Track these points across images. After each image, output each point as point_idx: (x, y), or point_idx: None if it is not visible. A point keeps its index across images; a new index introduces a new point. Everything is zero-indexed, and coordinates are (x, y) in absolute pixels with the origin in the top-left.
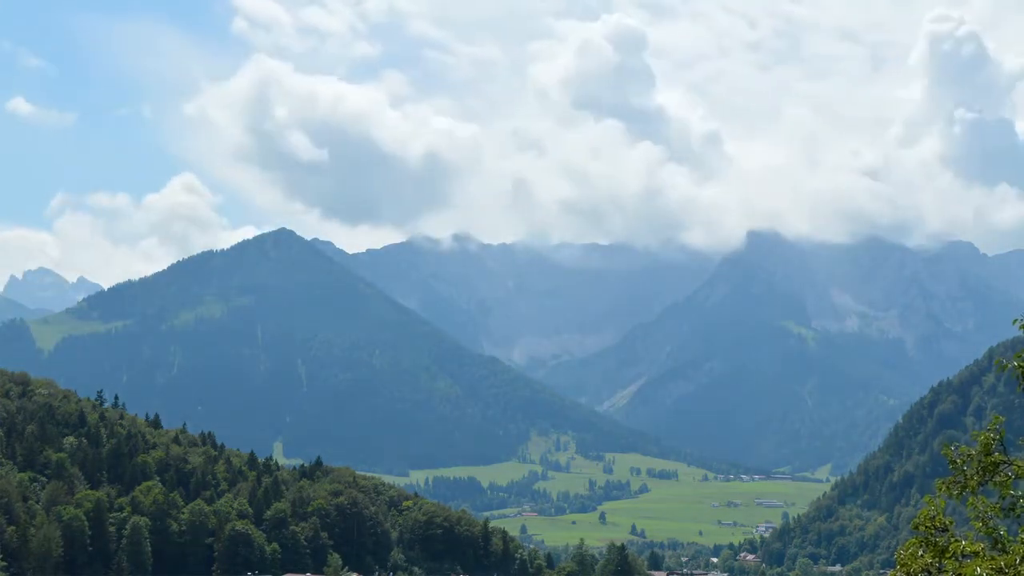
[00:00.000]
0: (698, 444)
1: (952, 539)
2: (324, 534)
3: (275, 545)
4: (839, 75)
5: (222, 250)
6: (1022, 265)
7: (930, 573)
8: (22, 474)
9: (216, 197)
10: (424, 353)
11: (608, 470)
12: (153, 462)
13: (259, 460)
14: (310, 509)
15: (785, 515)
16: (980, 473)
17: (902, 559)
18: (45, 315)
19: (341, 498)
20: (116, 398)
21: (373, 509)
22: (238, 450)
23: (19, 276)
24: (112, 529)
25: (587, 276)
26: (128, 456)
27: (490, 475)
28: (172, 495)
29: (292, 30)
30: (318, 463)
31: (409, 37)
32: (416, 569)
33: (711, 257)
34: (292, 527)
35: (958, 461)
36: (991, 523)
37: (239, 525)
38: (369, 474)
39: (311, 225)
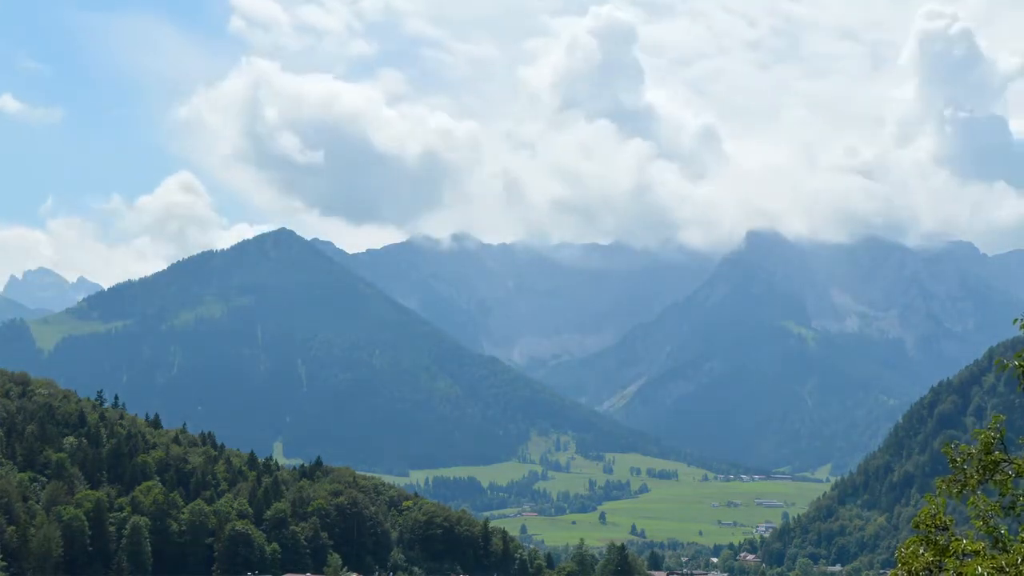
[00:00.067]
0: (698, 444)
1: (953, 538)
2: (324, 534)
3: (275, 545)
4: (839, 74)
5: (222, 250)
6: (1022, 265)
7: (931, 572)
8: (22, 474)
9: (214, 197)
10: (424, 353)
11: (608, 470)
12: (153, 462)
13: (259, 460)
14: (310, 509)
15: (785, 515)
16: (980, 472)
17: (903, 557)
18: (45, 315)
19: (341, 498)
20: (116, 398)
21: (373, 509)
22: (238, 450)
23: (19, 276)
24: (112, 529)
25: (587, 276)
26: (128, 456)
27: (490, 475)
28: (172, 495)
29: (289, 29)
30: (318, 463)
31: (406, 36)
32: (416, 569)
33: (711, 257)
34: (292, 527)
35: (958, 460)
36: (992, 522)
37: (239, 525)
38: (369, 474)
39: (310, 225)
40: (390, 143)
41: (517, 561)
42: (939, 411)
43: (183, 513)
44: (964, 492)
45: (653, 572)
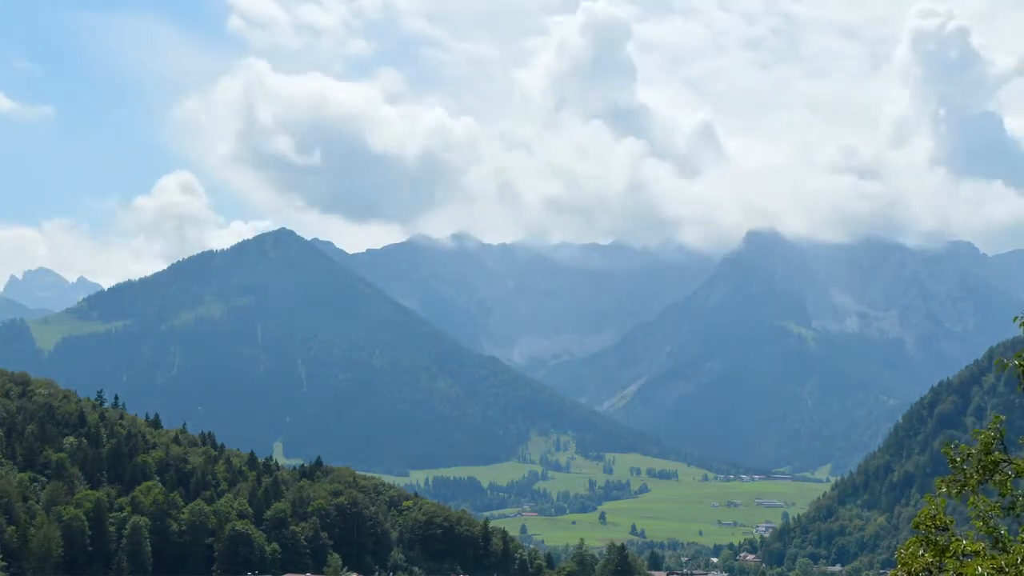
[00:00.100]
0: (698, 444)
1: (953, 538)
2: (324, 534)
3: (275, 545)
4: (838, 72)
5: (222, 250)
6: (1022, 265)
7: (931, 572)
8: (22, 474)
9: (213, 197)
10: (424, 353)
11: (608, 470)
12: (153, 462)
13: (259, 460)
14: (310, 509)
15: (785, 515)
16: (980, 472)
17: (903, 558)
18: (45, 315)
19: (341, 498)
20: (116, 398)
21: (373, 509)
22: (238, 450)
23: (19, 276)
24: (112, 529)
25: (587, 276)
26: (128, 456)
27: (490, 475)
28: (172, 495)
29: (288, 28)
30: (318, 463)
31: (404, 35)
32: (416, 569)
33: (711, 257)
34: (292, 527)
35: (958, 460)
36: (992, 522)
37: (239, 525)
38: (369, 474)
39: (309, 224)
40: (389, 142)
41: (517, 561)
42: (939, 411)
43: (183, 513)
44: (964, 492)
45: (653, 572)
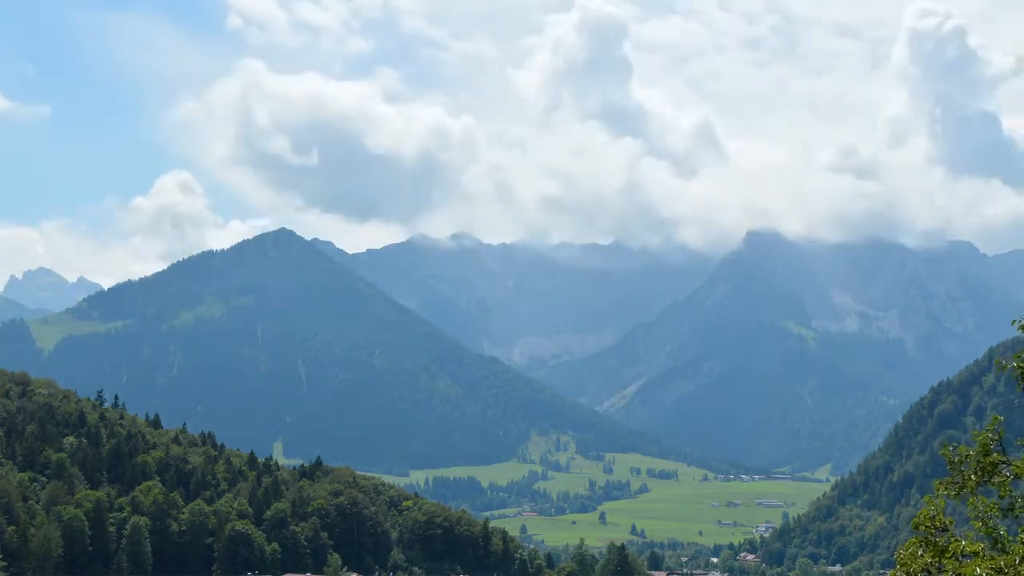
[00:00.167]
0: (698, 444)
1: (952, 539)
2: (324, 534)
3: (275, 545)
4: (839, 72)
5: (222, 250)
6: (1022, 265)
7: (930, 573)
8: (22, 474)
9: (212, 197)
10: (424, 353)
11: (608, 470)
12: (153, 462)
13: (259, 460)
14: (310, 509)
15: (785, 515)
16: (979, 473)
17: (902, 559)
18: (45, 315)
19: (341, 498)
20: (116, 398)
21: (373, 509)
22: (238, 450)
23: (19, 276)
24: (112, 529)
25: (587, 276)
26: (128, 456)
27: (490, 475)
28: (172, 495)
29: (286, 26)
30: (318, 463)
31: (403, 34)
32: (416, 569)
33: (711, 257)
34: (292, 527)
35: (956, 461)
36: (991, 523)
37: (239, 525)
38: (369, 474)
39: (308, 224)
40: (388, 142)
41: (517, 561)
42: (939, 411)
43: (183, 513)
44: (963, 494)
45: (653, 572)
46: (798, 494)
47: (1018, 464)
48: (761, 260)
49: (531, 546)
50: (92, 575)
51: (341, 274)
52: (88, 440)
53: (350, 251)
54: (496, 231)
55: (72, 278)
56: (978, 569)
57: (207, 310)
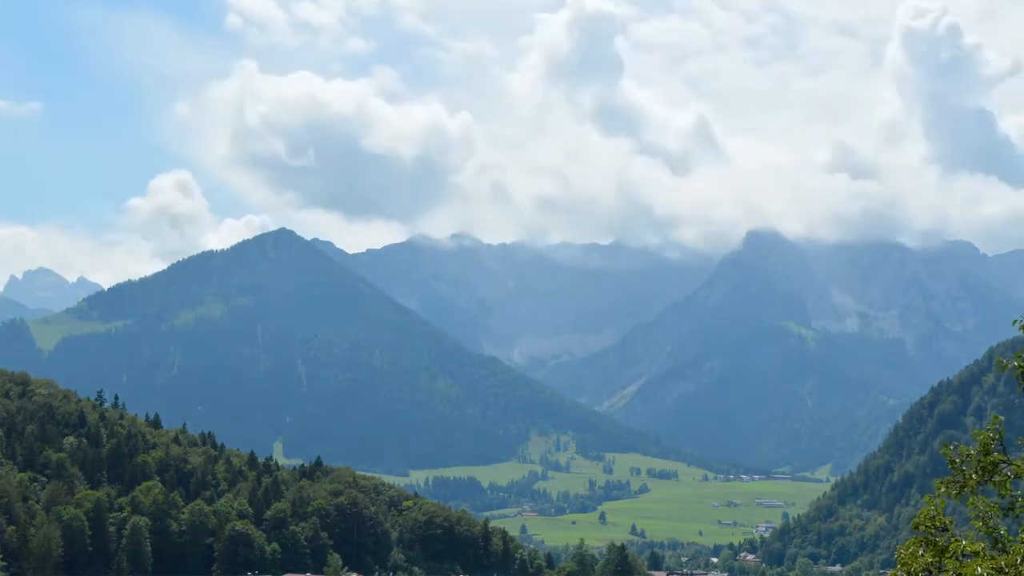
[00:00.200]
0: (698, 444)
1: (952, 538)
2: (324, 534)
3: (275, 545)
4: (837, 70)
5: (222, 250)
6: (1022, 265)
7: (930, 572)
8: (22, 474)
9: (212, 197)
10: (424, 353)
11: (608, 470)
12: (153, 462)
13: (259, 460)
14: (310, 509)
15: (785, 515)
16: (979, 473)
17: (902, 558)
18: (45, 315)
19: (341, 498)
20: (116, 398)
21: (373, 509)
22: (238, 450)
23: (19, 276)
24: (112, 529)
25: (587, 276)
26: (128, 456)
27: (490, 475)
28: (172, 495)
29: (285, 26)
30: (318, 463)
31: (401, 32)
32: (416, 569)
33: (711, 257)
34: (292, 527)
35: (957, 461)
36: (991, 523)
37: (239, 525)
38: (369, 474)
39: (308, 224)
40: (387, 141)
41: (517, 561)
42: (939, 411)
43: (183, 513)
44: (963, 494)
45: (653, 572)
46: (798, 494)
47: (1018, 463)
48: (761, 260)
49: (531, 546)
50: (92, 575)
51: (341, 274)
52: (88, 440)
53: (350, 251)
54: (496, 231)
55: (72, 278)
56: (979, 569)
57: (207, 310)
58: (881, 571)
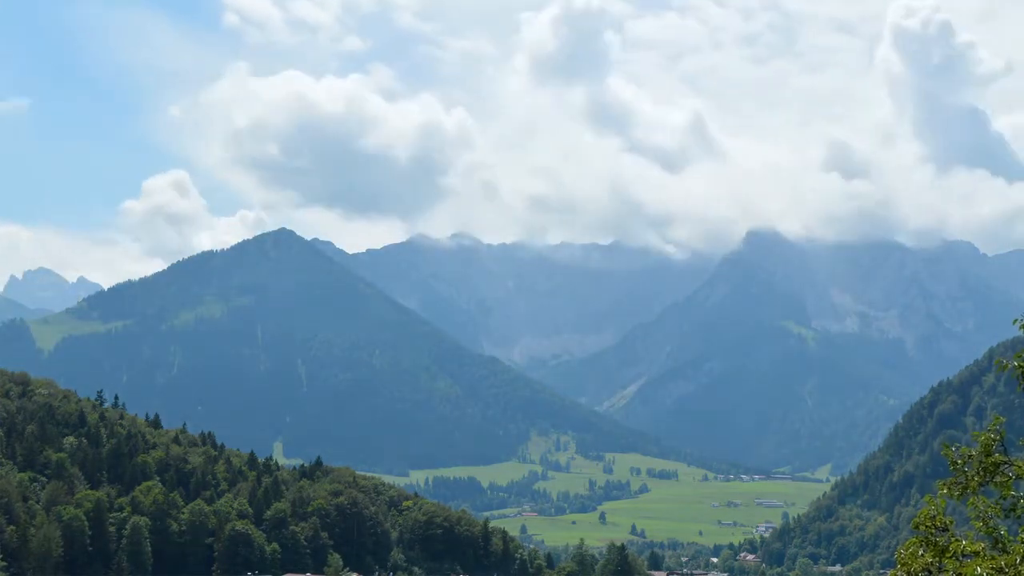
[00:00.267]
0: (698, 444)
1: (952, 539)
2: (324, 534)
3: (275, 545)
4: (835, 68)
5: (222, 250)
6: (1022, 265)
7: (930, 573)
8: (22, 474)
9: (211, 196)
10: (424, 353)
11: (608, 470)
12: (153, 462)
13: (259, 460)
14: (310, 509)
15: (785, 515)
16: (981, 474)
17: (902, 559)
18: (45, 315)
19: (341, 498)
20: (116, 398)
21: (373, 509)
22: (238, 450)
23: (19, 276)
24: (112, 529)
25: (587, 276)
26: (128, 456)
27: (490, 475)
28: (172, 495)
29: (282, 24)
30: (318, 463)
31: (398, 31)
32: (416, 569)
33: (711, 257)
34: (292, 527)
35: (959, 462)
36: (991, 523)
37: (239, 525)
38: (369, 474)
39: (308, 224)
40: (385, 140)
41: (517, 561)
42: (939, 411)
43: (183, 513)
44: (965, 494)
45: (653, 572)
46: (798, 494)
47: (1020, 464)
48: (761, 260)
49: (531, 546)
50: (92, 575)
51: (341, 274)
52: (88, 440)
53: (350, 251)
54: (496, 231)
55: (72, 278)
56: (979, 569)
57: (207, 310)
58: (881, 571)
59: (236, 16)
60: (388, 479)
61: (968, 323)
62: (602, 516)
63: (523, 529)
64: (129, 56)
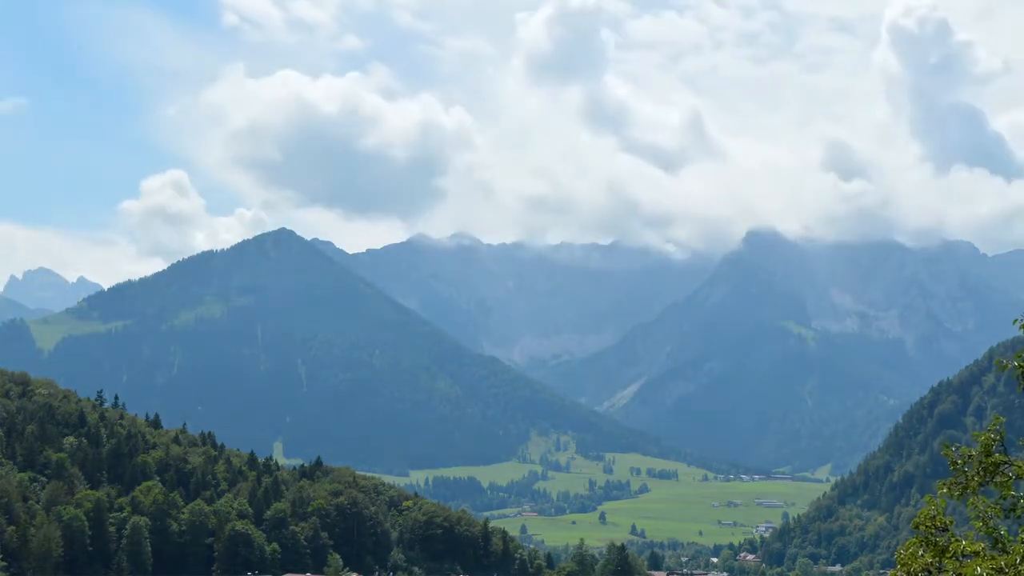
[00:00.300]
0: (698, 444)
1: (952, 539)
2: (324, 534)
3: (275, 545)
4: (834, 68)
5: (222, 250)
6: (1022, 265)
7: (930, 573)
8: (22, 474)
9: (211, 196)
10: (424, 353)
11: (608, 470)
12: (153, 462)
13: (259, 460)
14: (310, 509)
15: (785, 515)
16: (981, 474)
17: (902, 559)
18: (45, 315)
19: (341, 498)
20: (116, 398)
21: (373, 509)
22: (238, 450)
23: (19, 276)
24: (112, 529)
25: (587, 276)
26: (128, 456)
27: (490, 475)
28: (172, 495)
29: (281, 23)
30: (318, 463)
31: (396, 29)
32: (416, 569)
33: (711, 257)
34: (292, 527)
35: (959, 462)
36: (991, 523)
37: (239, 525)
38: (369, 474)
39: (308, 224)
40: (384, 140)
41: (517, 561)
42: (939, 411)
43: (183, 513)
44: (965, 494)
45: (653, 572)
46: (798, 494)
47: (1020, 464)
48: (761, 260)
49: (531, 546)
50: (92, 575)
51: (341, 274)
52: (88, 440)
53: (350, 251)
54: (496, 231)
55: (72, 278)
56: (979, 569)
57: (207, 310)
58: (881, 571)
59: (235, 16)
60: (388, 479)
61: (968, 323)
62: (602, 516)
63: (523, 529)
64: (128, 56)
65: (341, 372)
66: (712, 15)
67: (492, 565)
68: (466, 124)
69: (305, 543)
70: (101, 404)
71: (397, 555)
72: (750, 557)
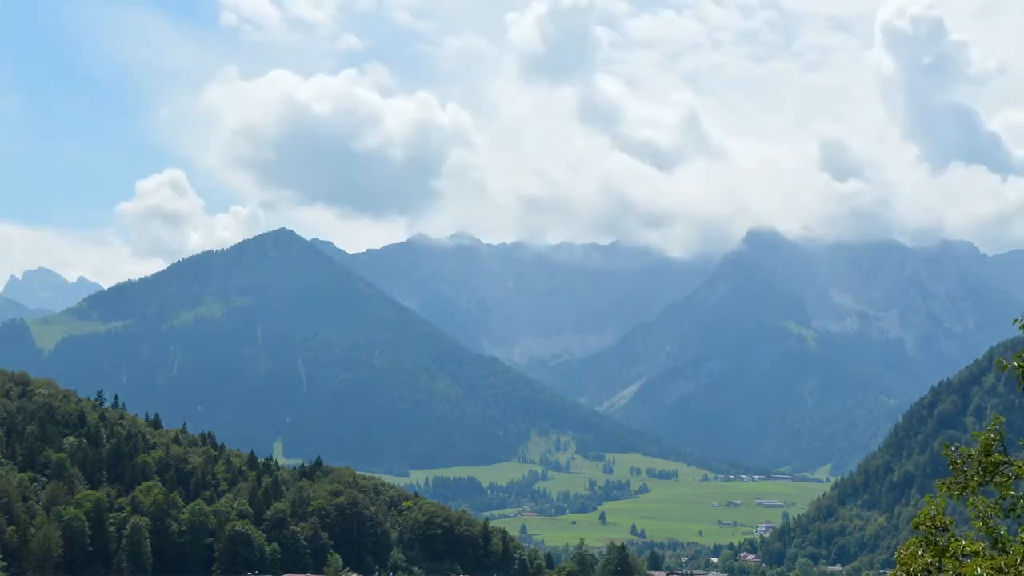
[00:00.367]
0: (698, 444)
1: (952, 539)
2: (324, 534)
3: (275, 545)
4: (833, 67)
5: (222, 250)
6: (1022, 265)
7: (930, 572)
8: (22, 474)
9: (210, 196)
10: (424, 353)
11: (608, 470)
12: (153, 462)
13: (259, 460)
14: (310, 509)
15: (785, 515)
16: (980, 474)
17: (902, 558)
18: (45, 315)
19: (341, 498)
20: (116, 398)
21: (373, 509)
22: (238, 450)
23: (19, 276)
24: (112, 529)
25: (587, 276)
26: (128, 456)
27: (490, 475)
28: (172, 495)
29: (279, 23)
30: (318, 463)
31: (394, 28)
32: (416, 569)
33: (711, 257)
34: (292, 527)
35: (958, 462)
36: (991, 523)
37: (239, 525)
38: (369, 474)
39: (308, 224)
40: (384, 139)
41: (517, 561)
42: (939, 411)
43: (183, 513)
44: (964, 494)
45: (653, 572)
46: (798, 494)
47: (1020, 464)
48: (761, 260)
49: (531, 546)
50: (92, 575)
51: (341, 274)
52: (88, 440)
53: (350, 251)
54: (496, 231)
55: (72, 278)
56: (978, 569)
57: (207, 310)
58: (881, 571)
59: (233, 15)
60: (388, 479)
61: (968, 323)
62: (602, 516)
63: (523, 529)
64: (127, 55)
65: (341, 372)
66: (711, 14)
67: (492, 565)
68: (465, 124)
69: (305, 543)
70: (101, 404)
71: (397, 555)
72: (750, 557)
